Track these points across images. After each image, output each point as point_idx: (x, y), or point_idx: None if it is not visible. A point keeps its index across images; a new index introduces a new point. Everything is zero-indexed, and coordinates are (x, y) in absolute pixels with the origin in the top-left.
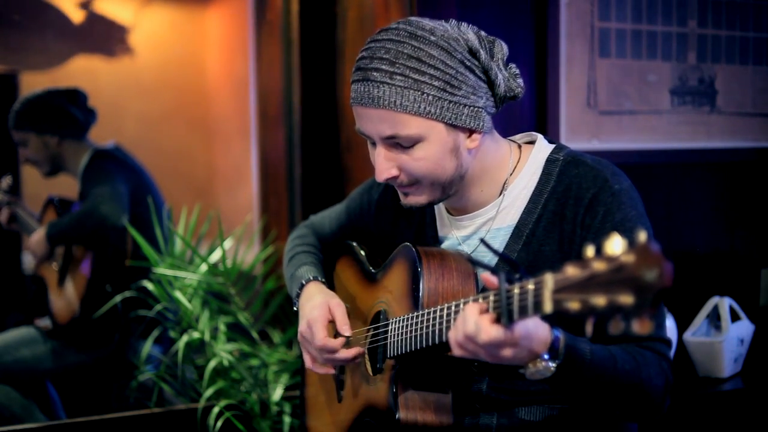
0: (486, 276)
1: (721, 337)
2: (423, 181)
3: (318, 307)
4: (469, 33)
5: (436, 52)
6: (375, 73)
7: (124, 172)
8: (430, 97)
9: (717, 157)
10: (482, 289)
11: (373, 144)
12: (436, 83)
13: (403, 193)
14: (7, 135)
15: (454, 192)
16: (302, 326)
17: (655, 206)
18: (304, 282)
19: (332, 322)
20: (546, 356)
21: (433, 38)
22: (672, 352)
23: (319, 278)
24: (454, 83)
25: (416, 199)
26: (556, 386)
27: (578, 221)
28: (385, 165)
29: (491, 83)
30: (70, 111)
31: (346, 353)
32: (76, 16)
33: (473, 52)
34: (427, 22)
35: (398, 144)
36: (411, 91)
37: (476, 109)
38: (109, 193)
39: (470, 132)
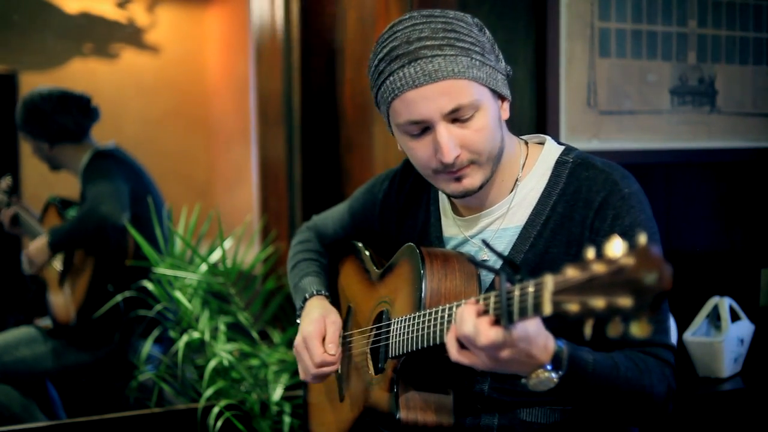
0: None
1: (721, 337)
2: (482, 156)
3: (314, 322)
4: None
5: (463, 24)
6: (423, 51)
7: (124, 172)
8: (477, 63)
9: (717, 157)
10: (486, 291)
11: (419, 134)
12: (476, 49)
13: (455, 178)
14: (7, 135)
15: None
16: (298, 340)
17: (655, 206)
18: (307, 296)
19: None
20: (549, 367)
21: (451, 15)
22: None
23: (323, 291)
24: (486, 50)
25: (471, 181)
26: (558, 396)
27: (587, 224)
28: (450, 144)
29: (496, 57)
30: (57, 119)
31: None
32: (76, 16)
33: (480, 28)
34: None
35: (457, 119)
36: (462, 58)
37: (503, 76)
38: (109, 192)
39: (502, 100)
